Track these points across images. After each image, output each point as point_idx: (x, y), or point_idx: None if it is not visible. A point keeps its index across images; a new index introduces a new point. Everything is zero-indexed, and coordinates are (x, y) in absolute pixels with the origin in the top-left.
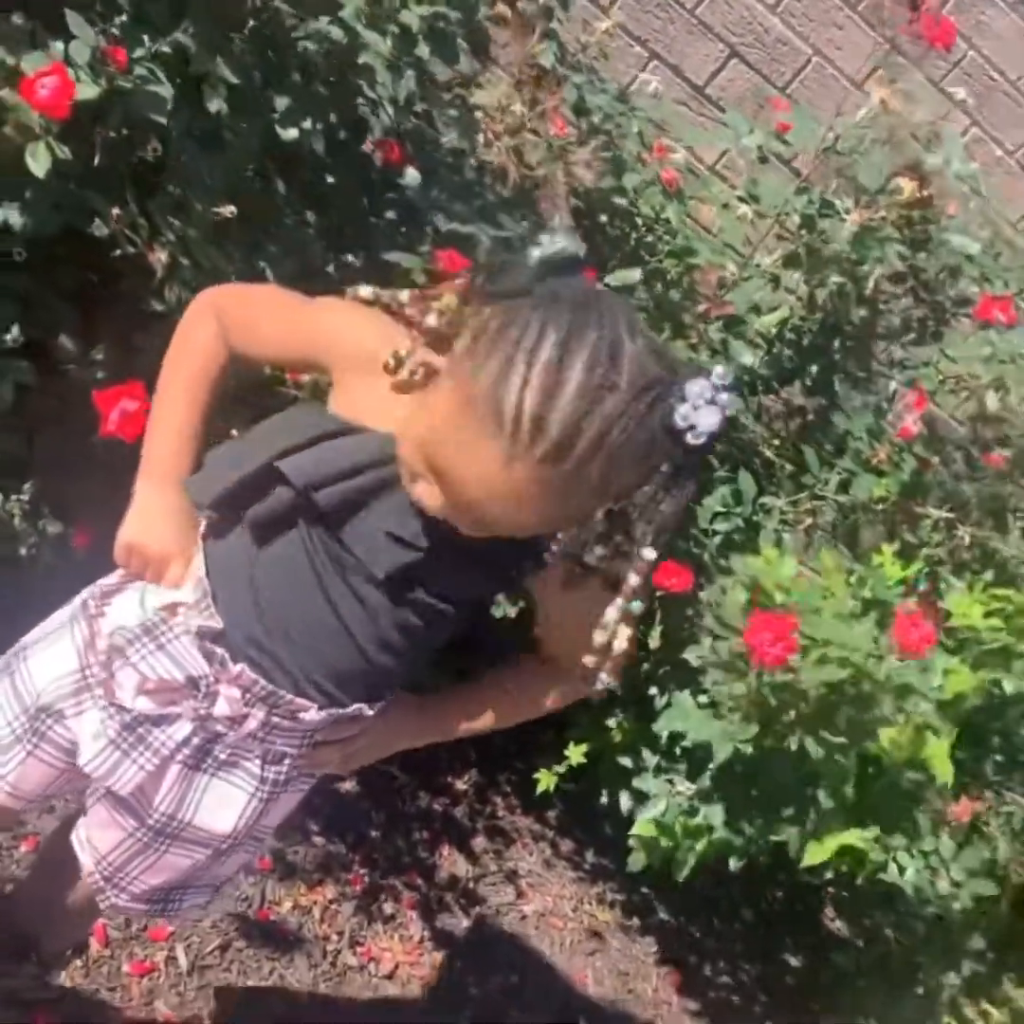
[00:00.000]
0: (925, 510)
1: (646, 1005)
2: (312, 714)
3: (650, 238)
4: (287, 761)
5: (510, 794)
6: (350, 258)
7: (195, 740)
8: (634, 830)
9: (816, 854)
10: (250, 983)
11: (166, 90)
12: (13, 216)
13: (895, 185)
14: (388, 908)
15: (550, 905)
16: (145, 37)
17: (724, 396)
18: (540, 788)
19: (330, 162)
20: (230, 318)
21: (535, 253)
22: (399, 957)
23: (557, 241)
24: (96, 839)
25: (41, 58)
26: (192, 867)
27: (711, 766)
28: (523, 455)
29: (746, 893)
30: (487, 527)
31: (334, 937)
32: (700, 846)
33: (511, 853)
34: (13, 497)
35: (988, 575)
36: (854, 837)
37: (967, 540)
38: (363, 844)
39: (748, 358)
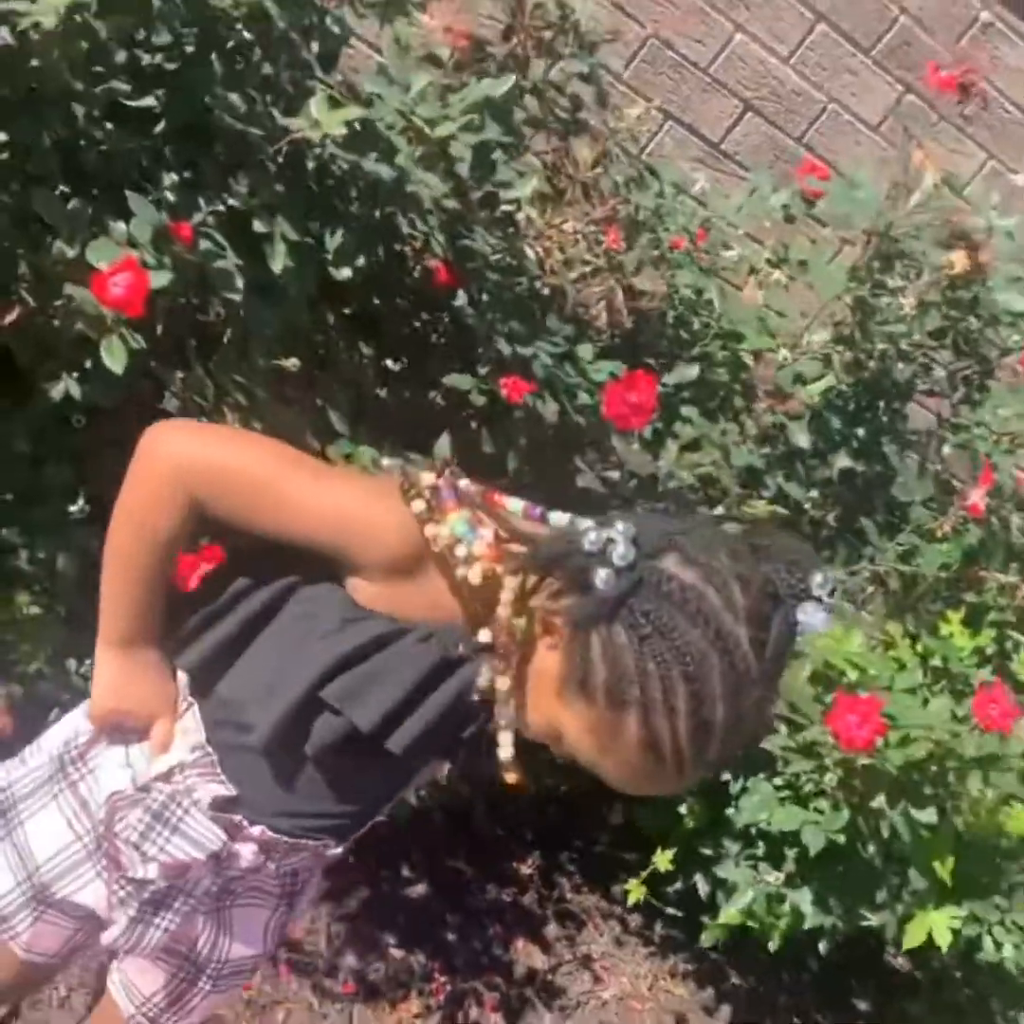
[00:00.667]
0: (991, 575)
1: None
2: (334, 849)
3: (697, 325)
4: (300, 874)
5: (574, 873)
6: (404, 378)
7: (214, 890)
8: (721, 919)
9: (915, 936)
10: None
11: (231, 260)
12: (74, 388)
13: (945, 260)
14: (472, 1014)
15: (627, 987)
16: (200, 200)
17: (832, 601)
18: (631, 900)
19: (379, 288)
20: (209, 485)
21: (603, 576)
22: None
23: (616, 542)
24: (138, 982)
25: (107, 246)
26: (231, 997)
27: (793, 851)
28: (687, 777)
29: (810, 942)
30: None
31: None
32: (784, 926)
33: (583, 936)
34: (86, 661)
35: None
36: (947, 915)
37: None
38: (440, 950)
39: (803, 441)
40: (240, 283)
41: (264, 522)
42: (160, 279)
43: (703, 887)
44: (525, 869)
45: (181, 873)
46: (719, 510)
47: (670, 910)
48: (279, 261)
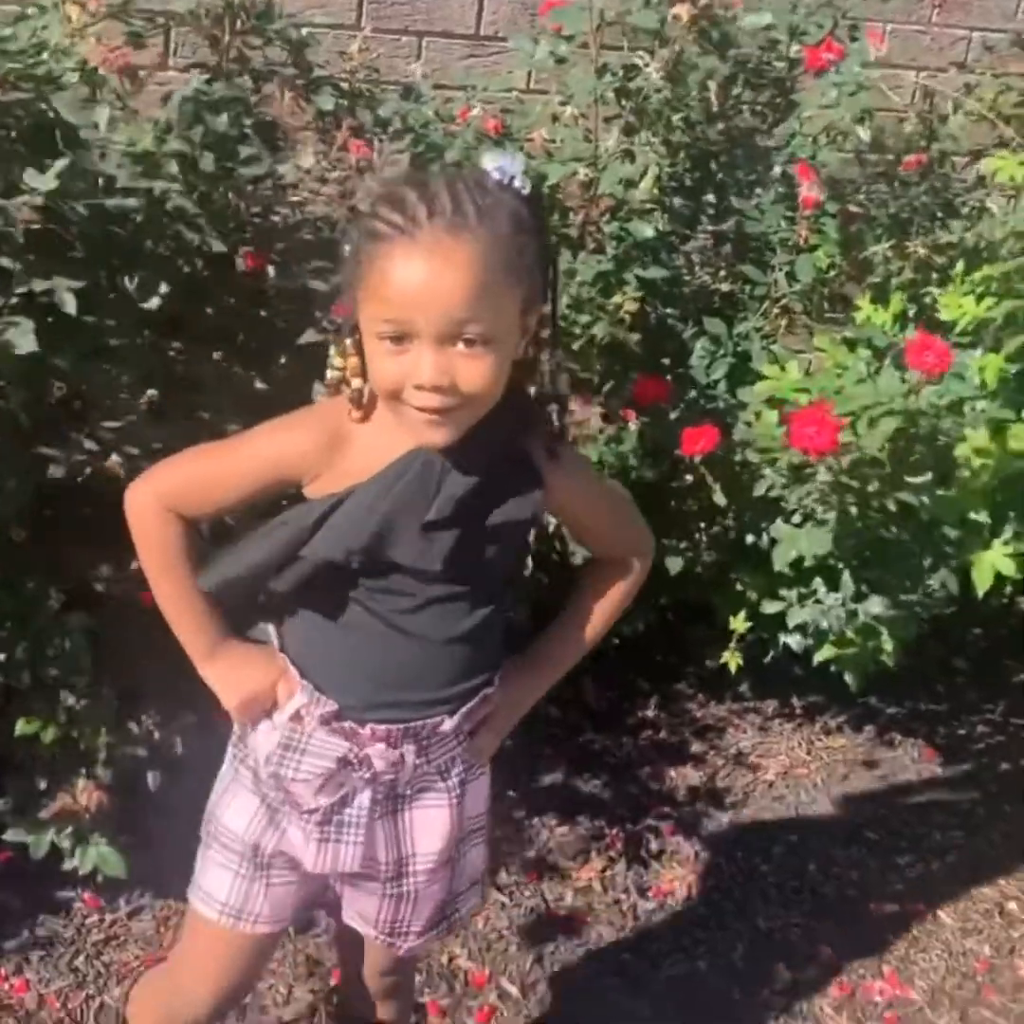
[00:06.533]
0: (870, 251)
1: (916, 793)
2: (448, 724)
3: None
4: (458, 763)
5: (696, 694)
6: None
7: (379, 797)
8: (818, 659)
9: (984, 578)
10: (576, 975)
11: (27, 327)
12: None
13: (673, 15)
14: (654, 846)
15: (787, 762)
16: None
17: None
18: (732, 667)
19: (206, 301)
20: (175, 496)
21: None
22: (687, 879)
23: None
24: (361, 912)
25: None
26: (444, 887)
27: (845, 573)
28: (421, 228)
29: (946, 645)
30: (459, 312)
31: (623, 896)
32: (884, 641)
33: (727, 740)
34: (143, 718)
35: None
36: (1000, 546)
37: (922, 251)
38: (600, 811)
39: (649, 231)
40: (32, 343)
41: (224, 496)
42: None
43: (794, 643)
44: (650, 712)
45: (333, 787)
46: (586, 319)
47: (776, 676)
48: (70, 306)
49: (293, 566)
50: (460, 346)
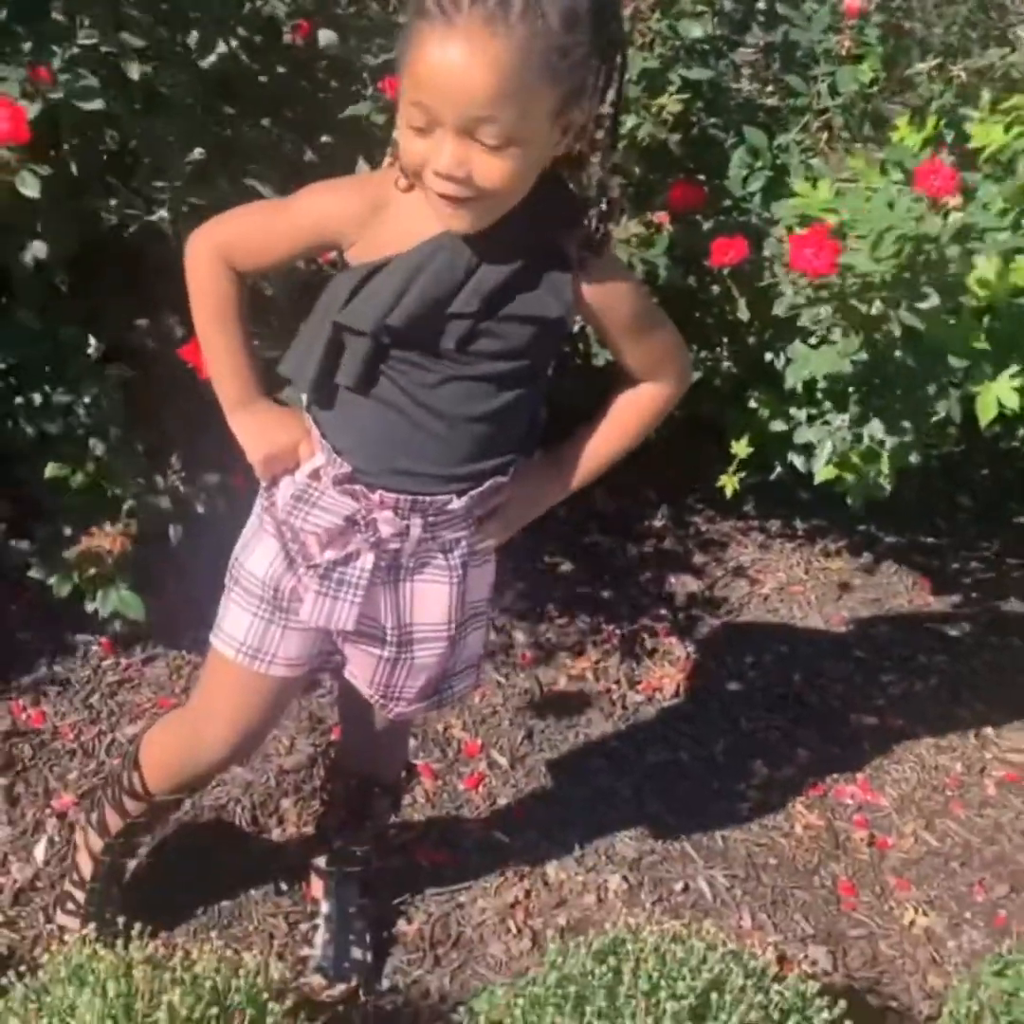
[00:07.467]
0: (913, 69)
1: (907, 619)
2: (456, 503)
3: None
4: (462, 543)
5: (703, 509)
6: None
7: (382, 563)
8: (818, 480)
9: (988, 409)
10: (563, 753)
11: (92, 82)
12: (38, 247)
13: None
14: (648, 644)
15: (783, 578)
16: (55, 49)
17: None
18: (729, 491)
19: (258, 68)
20: (229, 247)
21: None
22: (677, 677)
23: None
24: (359, 672)
25: None
26: (440, 660)
27: (854, 395)
28: (461, 13)
29: (952, 483)
30: (478, 110)
31: (614, 687)
32: (883, 464)
33: (729, 554)
34: (169, 473)
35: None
36: (1005, 379)
37: (964, 75)
38: (601, 607)
39: (697, 31)
40: (99, 99)
41: (273, 250)
42: (35, 109)
43: (799, 463)
44: (657, 522)
45: (339, 544)
46: (632, 119)
47: (782, 498)
48: (134, 70)
49: (348, 356)
50: (480, 142)
